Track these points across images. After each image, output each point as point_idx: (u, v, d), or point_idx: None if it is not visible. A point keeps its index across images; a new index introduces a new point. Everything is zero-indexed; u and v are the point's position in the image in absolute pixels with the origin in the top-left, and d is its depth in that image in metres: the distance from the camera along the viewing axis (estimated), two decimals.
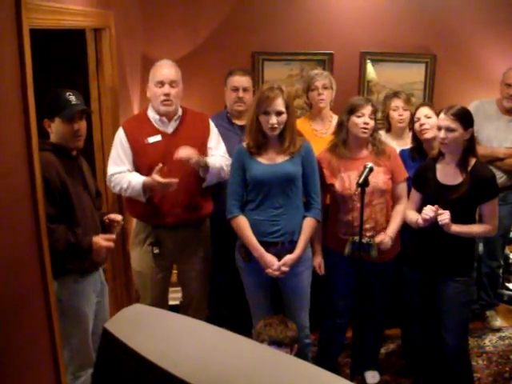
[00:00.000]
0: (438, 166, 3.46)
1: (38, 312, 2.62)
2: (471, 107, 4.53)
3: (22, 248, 2.45)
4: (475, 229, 3.36)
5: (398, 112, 4.28)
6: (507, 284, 5.25)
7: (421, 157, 3.85)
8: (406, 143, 4.24)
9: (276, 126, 3.36)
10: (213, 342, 1.54)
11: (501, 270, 5.02)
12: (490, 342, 4.64)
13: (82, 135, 3.10)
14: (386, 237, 3.62)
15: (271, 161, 3.47)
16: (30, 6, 2.42)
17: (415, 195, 3.57)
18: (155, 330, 1.59)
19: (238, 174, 3.52)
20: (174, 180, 3.52)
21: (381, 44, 5.18)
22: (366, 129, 3.60)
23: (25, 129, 2.40)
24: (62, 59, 5.70)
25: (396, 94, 4.36)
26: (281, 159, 3.46)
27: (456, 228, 3.27)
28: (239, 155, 3.53)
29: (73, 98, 3.00)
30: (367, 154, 3.69)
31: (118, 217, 3.38)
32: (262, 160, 3.48)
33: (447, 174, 3.41)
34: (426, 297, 3.55)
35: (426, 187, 3.47)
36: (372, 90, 5.34)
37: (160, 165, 3.54)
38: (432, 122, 3.77)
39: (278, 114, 3.35)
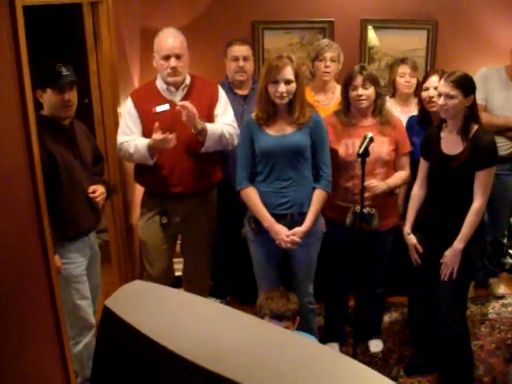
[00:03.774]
0: (442, 135, 3.41)
1: (40, 285, 2.65)
2: (479, 74, 4.48)
3: (22, 223, 2.46)
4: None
5: (405, 78, 4.28)
6: (511, 251, 5.25)
7: (427, 125, 3.79)
8: (410, 110, 4.25)
9: (285, 94, 3.33)
10: (213, 319, 1.55)
11: (505, 240, 5.00)
12: (492, 309, 4.66)
13: (73, 105, 3.23)
14: (379, 183, 3.60)
15: (279, 132, 3.44)
16: None
17: (423, 164, 3.53)
18: (155, 307, 1.60)
19: (247, 146, 3.50)
20: (171, 135, 3.53)
21: (382, 11, 5.10)
22: (361, 100, 3.59)
23: (21, 107, 2.41)
24: (60, 33, 5.67)
25: (403, 61, 4.35)
26: (289, 130, 3.44)
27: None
28: (248, 127, 3.51)
29: (63, 70, 3.13)
30: (373, 122, 3.68)
31: (96, 193, 3.39)
32: (271, 131, 3.45)
33: (450, 142, 3.35)
34: (433, 265, 3.51)
35: (431, 156, 3.44)
36: (374, 57, 5.28)
37: (157, 124, 3.52)
38: None
39: (287, 82, 3.32)
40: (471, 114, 3.29)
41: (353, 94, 3.59)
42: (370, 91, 3.60)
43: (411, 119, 4.01)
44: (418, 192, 3.55)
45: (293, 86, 3.34)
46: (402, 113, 4.23)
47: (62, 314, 2.81)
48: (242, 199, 3.55)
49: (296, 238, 3.44)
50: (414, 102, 4.28)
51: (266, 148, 3.43)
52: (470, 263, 3.45)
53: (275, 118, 3.45)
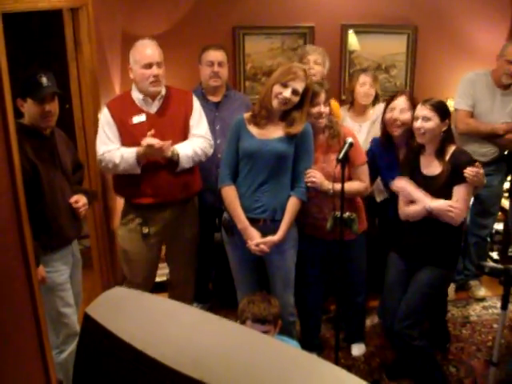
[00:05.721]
0: (421, 158, 3.49)
1: (22, 293, 2.62)
2: (467, 79, 4.54)
3: (2, 231, 2.44)
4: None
5: (365, 88, 4.30)
6: (490, 253, 5.29)
7: (390, 146, 3.82)
8: (365, 120, 4.35)
9: (287, 101, 3.34)
10: (193, 325, 1.55)
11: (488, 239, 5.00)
12: (473, 311, 4.70)
13: (54, 115, 3.18)
14: (324, 180, 3.51)
15: (265, 136, 3.43)
16: None
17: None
18: (136, 314, 1.60)
19: (233, 145, 3.49)
20: (167, 142, 3.55)
21: (362, 16, 5.16)
22: (322, 117, 3.57)
23: (1, 115, 2.39)
24: (40, 39, 5.64)
25: (365, 71, 4.41)
26: (275, 136, 3.42)
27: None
28: (236, 126, 3.50)
29: (44, 80, 3.06)
30: (323, 140, 3.64)
31: (79, 203, 3.36)
32: (257, 134, 3.44)
33: (429, 164, 3.44)
34: (405, 284, 3.57)
35: (412, 179, 3.48)
36: (354, 62, 5.34)
37: (152, 131, 3.53)
38: (404, 118, 3.65)
39: (295, 92, 3.33)
40: (447, 137, 3.40)
41: (313, 110, 3.54)
42: (328, 109, 3.60)
43: (374, 142, 3.96)
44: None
45: (297, 98, 3.36)
46: (357, 123, 4.30)
47: (43, 323, 2.78)
48: (222, 196, 3.53)
49: (265, 248, 3.42)
50: (369, 112, 4.37)
51: (248, 149, 3.42)
52: (436, 286, 3.53)
53: (267, 120, 3.44)
